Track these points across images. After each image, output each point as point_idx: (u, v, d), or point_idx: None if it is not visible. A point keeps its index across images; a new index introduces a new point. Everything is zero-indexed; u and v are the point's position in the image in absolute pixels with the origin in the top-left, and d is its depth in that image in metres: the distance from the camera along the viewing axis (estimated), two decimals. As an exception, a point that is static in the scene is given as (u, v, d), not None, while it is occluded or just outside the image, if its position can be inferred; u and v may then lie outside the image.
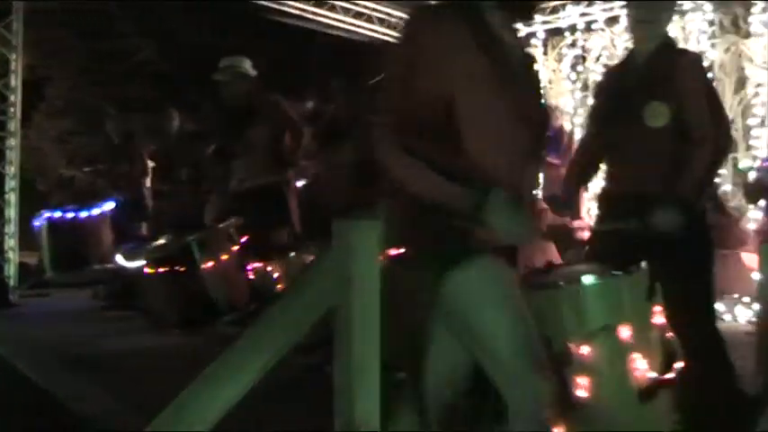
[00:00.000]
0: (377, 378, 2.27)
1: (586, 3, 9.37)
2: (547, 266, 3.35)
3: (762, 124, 7.92)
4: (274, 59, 10.71)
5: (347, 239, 2.24)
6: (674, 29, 8.77)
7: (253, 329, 2.19)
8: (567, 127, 9.25)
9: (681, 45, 9.08)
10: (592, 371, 2.85)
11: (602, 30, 9.39)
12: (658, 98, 3.55)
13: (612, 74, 4.09)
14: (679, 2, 8.42)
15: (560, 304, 2.95)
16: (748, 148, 8.10)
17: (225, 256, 6.63)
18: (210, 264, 6.60)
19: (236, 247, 6.63)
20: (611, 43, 9.33)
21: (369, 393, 2.26)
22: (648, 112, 3.55)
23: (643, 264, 3.06)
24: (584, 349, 2.85)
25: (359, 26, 10.13)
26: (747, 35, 8.31)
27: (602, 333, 2.87)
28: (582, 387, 2.84)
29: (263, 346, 2.14)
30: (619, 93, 3.75)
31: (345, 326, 2.21)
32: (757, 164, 7.16)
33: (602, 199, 4.02)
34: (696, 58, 4.00)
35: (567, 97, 9.71)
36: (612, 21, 9.18)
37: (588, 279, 2.96)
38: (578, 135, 8.81)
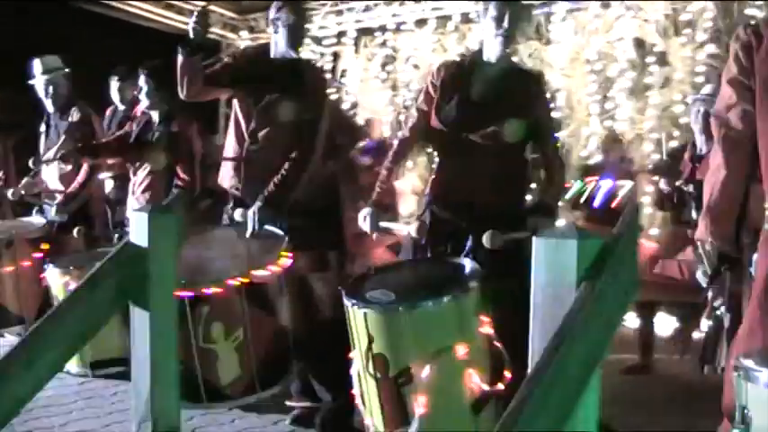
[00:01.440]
0: (175, 373, 2.25)
1: (398, 3, 9.55)
2: (367, 273, 3.39)
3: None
4: (82, 47, 10.28)
5: (144, 235, 2.21)
6: (478, 34, 9.14)
7: (42, 325, 2.09)
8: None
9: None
10: (430, 390, 2.94)
11: (412, 31, 9.61)
12: (516, 114, 3.61)
13: (456, 73, 3.82)
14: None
15: (398, 324, 3.03)
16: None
17: (25, 263, 6.23)
18: (9, 269, 6.20)
19: (37, 255, 6.24)
20: (420, 44, 9.57)
21: (167, 389, 2.23)
22: (507, 128, 3.57)
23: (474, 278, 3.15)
24: (425, 371, 2.93)
25: (169, 17, 9.89)
26: (548, 42, 8.73)
27: (440, 354, 2.96)
28: (421, 405, 2.94)
29: (52, 341, 2.05)
30: (468, 98, 3.69)
31: (141, 321, 2.18)
32: None
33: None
34: (544, 78, 4.15)
35: (376, 96, 9.87)
36: (422, 23, 9.41)
37: (426, 303, 3.03)
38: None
